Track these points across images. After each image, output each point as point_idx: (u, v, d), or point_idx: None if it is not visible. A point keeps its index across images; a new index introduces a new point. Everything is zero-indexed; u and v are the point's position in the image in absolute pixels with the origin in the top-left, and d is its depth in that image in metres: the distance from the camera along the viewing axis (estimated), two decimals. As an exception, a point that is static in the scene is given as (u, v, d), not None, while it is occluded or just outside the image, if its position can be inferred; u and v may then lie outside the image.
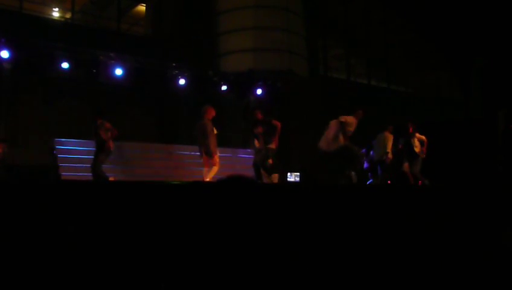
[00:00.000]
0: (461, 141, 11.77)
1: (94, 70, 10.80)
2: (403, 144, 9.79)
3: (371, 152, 10.44)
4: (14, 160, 9.57)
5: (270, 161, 8.50)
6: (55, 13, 14.86)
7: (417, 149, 9.58)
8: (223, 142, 12.26)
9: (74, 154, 10.06)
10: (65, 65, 10.43)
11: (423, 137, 9.75)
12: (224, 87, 12.35)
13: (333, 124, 8.37)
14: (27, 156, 9.84)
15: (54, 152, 9.72)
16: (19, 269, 2.22)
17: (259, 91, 12.68)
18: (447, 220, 3.25)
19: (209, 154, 8.10)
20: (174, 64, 11.83)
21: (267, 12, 13.62)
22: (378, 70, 17.44)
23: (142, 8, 15.69)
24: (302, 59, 14.18)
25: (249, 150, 13.36)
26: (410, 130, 9.66)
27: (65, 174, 9.33)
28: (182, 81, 11.68)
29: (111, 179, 7.94)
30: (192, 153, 11.58)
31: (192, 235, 2.09)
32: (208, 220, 1.78)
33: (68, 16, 14.13)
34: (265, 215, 1.81)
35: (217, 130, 8.18)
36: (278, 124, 8.67)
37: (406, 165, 9.69)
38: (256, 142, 8.98)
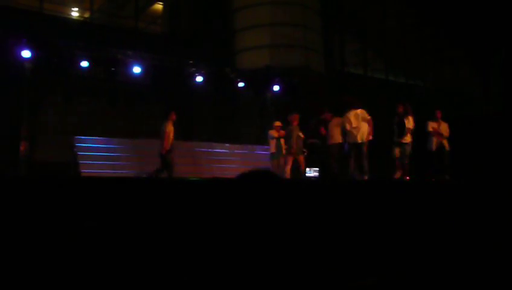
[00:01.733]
0: (481, 136, 11.59)
1: (113, 69, 10.92)
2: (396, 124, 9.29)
3: None
4: (36, 158, 9.76)
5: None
6: (74, 13, 15.06)
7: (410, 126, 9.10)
8: (240, 139, 12.34)
9: (94, 151, 10.21)
10: (84, 64, 10.56)
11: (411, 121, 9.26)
12: (241, 84, 12.37)
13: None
14: (48, 154, 10.01)
15: (74, 150, 9.88)
16: (44, 257, 2.29)
17: (276, 87, 12.68)
18: (469, 216, 3.24)
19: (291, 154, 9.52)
20: (191, 62, 11.89)
21: (283, 8, 13.60)
22: (396, 65, 17.27)
23: (159, 6, 15.81)
24: (318, 55, 14.13)
25: (266, 147, 13.40)
26: (400, 109, 9.24)
27: (85, 171, 9.47)
28: (199, 78, 11.75)
29: None
30: (210, 150, 11.68)
31: (213, 230, 2.13)
32: (232, 215, 1.81)
33: (87, 15, 14.31)
34: (287, 210, 1.83)
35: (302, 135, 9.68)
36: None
37: (396, 151, 9.27)
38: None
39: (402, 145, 9.07)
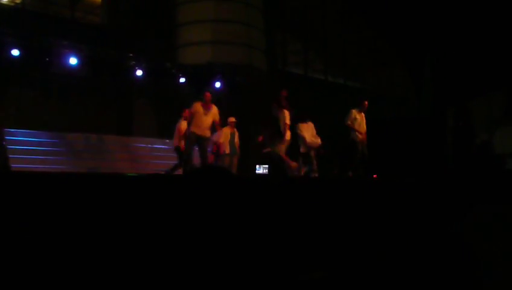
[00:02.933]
0: (411, 138, 12.13)
1: (47, 59, 10.43)
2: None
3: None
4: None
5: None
6: (5, -2, 14.18)
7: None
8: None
9: (25, 145, 9.72)
10: (15, 52, 10.01)
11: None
12: (182, 80, 12.22)
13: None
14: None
15: (4, 143, 9.35)
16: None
17: (217, 84, 12.64)
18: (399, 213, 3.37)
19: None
20: (131, 55, 11.59)
21: (226, 5, 13.55)
22: (336, 67, 17.73)
23: (97, -5, 15.25)
24: (261, 53, 14.22)
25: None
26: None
27: (15, 166, 8.99)
28: (139, 72, 11.48)
29: None
30: (149, 145, 11.46)
31: (157, 229, 2.08)
32: (182, 213, 1.77)
33: (18, 0, 13.53)
34: (241, 207, 1.81)
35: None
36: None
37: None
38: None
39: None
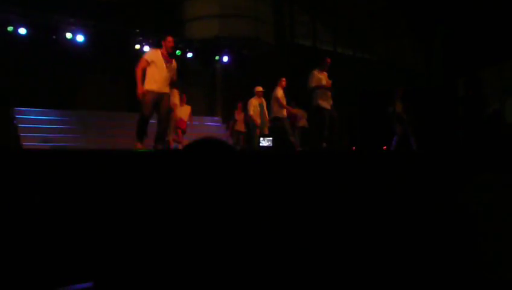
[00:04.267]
0: (422, 108, 12.04)
1: (54, 37, 10.44)
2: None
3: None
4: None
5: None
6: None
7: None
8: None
9: (35, 123, 9.83)
10: (22, 31, 10.03)
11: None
12: (189, 54, 12.18)
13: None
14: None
15: (14, 122, 9.46)
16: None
17: (225, 58, 12.58)
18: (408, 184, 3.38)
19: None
20: (137, 31, 11.54)
21: (233, -22, 13.36)
22: (344, 38, 17.50)
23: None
24: (268, 26, 14.06)
25: (216, 118, 13.35)
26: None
27: (27, 144, 9.11)
28: (146, 48, 11.45)
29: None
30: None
31: (157, 207, 2.11)
32: (184, 189, 1.79)
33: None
34: (244, 183, 1.82)
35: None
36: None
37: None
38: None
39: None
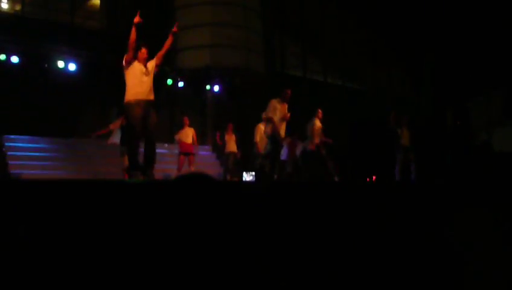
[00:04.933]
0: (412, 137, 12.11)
1: (46, 65, 10.50)
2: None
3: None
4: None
5: None
6: (4, 5, 14.28)
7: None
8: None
9: (24, 151, 9.78)
10: (15, 59, 10.09)
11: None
12: (180, 84, 12.28)
13: None
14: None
15: (3, 149, 9.42)
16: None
17: (216, 88, 12.69)
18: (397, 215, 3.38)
19: None
20: (129, 60, 11.64)
21: (224, 8, 13.61)
22: (334, 68, 17.76)
23: (96, 1, 15.33)
24: (259, 56, 14.27)
25: (207, 147, 13.36)
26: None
27: (15, 172, 9.04)
28: (137, 77, 11.52)
29: None
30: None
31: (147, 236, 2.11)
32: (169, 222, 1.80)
33: (18, 8, 13.61)
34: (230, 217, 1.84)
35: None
36: None
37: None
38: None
39: None
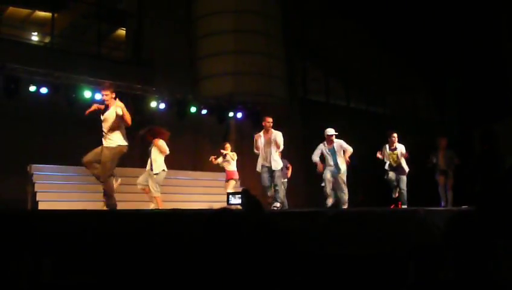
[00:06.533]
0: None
1: (73, 95, 10.74)
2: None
3: None
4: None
5: None
6: (34, 37, 14.82)
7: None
8: (204, 167, 12.27)
9: (52, 180, 9.94)
10: (43, 90, 10.36)
11: None
12: (204, 111, 12.40)
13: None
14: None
15: (31, 178, 9.59)
16: None
17: (239, 115, 12.76)
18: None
19: None
20: (154, 89, 11.85)
21: (246, 36, 13.78)
22: (357, 92, 17.72)
23: (122, 32, 15.76)
24: (281, 82, 14.35)
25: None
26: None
27: (42, 201, 9.18)
28: (162, 106, 11.70)
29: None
30: (172, 177, 11.55)
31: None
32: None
33: (47, 40, 14.10)
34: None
35: None
36: None
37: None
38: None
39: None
